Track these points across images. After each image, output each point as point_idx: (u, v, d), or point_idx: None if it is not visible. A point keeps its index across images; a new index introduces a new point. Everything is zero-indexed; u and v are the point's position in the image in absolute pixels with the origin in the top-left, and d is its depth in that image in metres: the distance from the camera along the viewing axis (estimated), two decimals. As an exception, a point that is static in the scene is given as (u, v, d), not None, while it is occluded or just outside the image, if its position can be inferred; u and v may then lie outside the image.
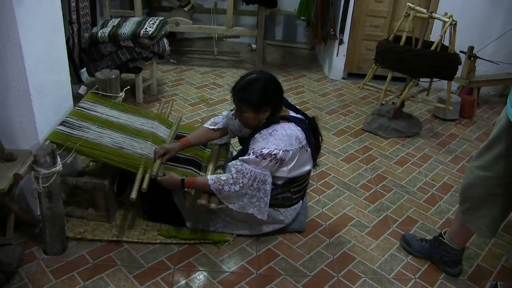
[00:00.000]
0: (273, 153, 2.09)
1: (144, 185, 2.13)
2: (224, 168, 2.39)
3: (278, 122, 2.18)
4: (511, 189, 1.92)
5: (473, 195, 2.01)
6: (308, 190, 2.82)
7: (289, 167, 2.19)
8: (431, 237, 2.36)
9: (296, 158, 2.18)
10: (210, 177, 2.18)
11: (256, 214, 2.23)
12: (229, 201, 2.21)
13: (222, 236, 2.37)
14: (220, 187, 2.15)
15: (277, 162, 2.12)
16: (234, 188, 2.13)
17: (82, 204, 2.49)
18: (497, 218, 2.00)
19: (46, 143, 2.11)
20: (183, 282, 2.12)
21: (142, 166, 2.22)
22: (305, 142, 2.20)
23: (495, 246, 2.48)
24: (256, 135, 2.18)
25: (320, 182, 2.96)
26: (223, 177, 2.16)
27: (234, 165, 2.16)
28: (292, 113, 2.30)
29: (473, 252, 2.42)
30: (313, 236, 2.47)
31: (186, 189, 2.22)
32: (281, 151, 2.10)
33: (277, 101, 2.22)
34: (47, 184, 2.03)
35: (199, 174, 2.44)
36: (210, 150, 2.63)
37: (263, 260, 2.28)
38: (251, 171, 2.12)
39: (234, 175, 2.13)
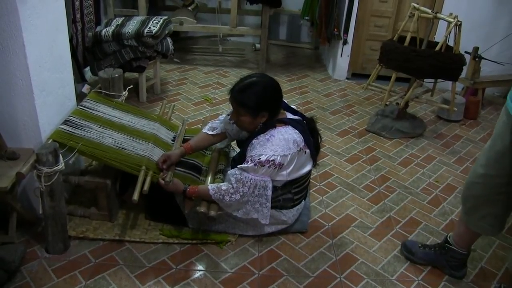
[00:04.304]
0: (271, 159, 2.08)
1: (146, 187, 2.13)
2: (224, 172, 2.39)
3: (274, 126, 2.17)
4: None
5: (474, 193, 2.00)
6: (311, 191, 2.81)
7: (288, 170, 2.17)
8: (433, 241, 2.35)
9: (294, 161, 2.17)
10: (211, 187, 2.18)
11: (260, 219, 2.23)
12: (232, 209, 2.21)
13: (224, 236, 2.37)
14: (221, 197, 2.15)
15: (275, 167, 2.11)
16: (235, 198, 2.13)
17: (84, 203, 2.49)
18: (500, 216, 1.98)
19: (49, 142, 2.11)
20: (184, 282, 2.11)
21: (143, 168, 2.22)
22: (303, 144, 2.18)
23: (499, 248, 2.47)
24: (253, 141, 2.17)
25: (323, 183, 2.95)
26: (224, 186, 2.16)
27: (233, 174, 2.15)
28: (289, 115, 2.28)
29: (477, 254, 2.40)
30: (315, 237, 2.46)
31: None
32: (279, 156, 2.09)
33: (275, 106, 2.21)
34: (49, 183, 2.03)
35: (199, 178, 2.44)
36: (210, 153, 2.62)
37: (265, 261, 2.27)
38: (251, 179, 2.11)
39: (234, 185, 2.13)
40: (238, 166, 2.15)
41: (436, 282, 2.21)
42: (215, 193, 2.16)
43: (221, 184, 2.19)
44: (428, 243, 2.43)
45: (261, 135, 2.17)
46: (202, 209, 2.17)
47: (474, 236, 2.15)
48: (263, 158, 2.08)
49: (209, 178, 2.36)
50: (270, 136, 2.14)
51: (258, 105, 2.14)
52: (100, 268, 2.15)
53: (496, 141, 1.88)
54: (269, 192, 2.17)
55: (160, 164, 2.29)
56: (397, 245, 2.42)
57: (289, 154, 2.12)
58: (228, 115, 2.43)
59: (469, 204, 2.04)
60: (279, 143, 2.11)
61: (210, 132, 2.49)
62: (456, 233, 2.21)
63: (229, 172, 2.20)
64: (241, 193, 2.13)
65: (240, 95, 2.15)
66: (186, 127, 2.89)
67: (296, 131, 2.18)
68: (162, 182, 2.20)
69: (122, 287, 2.06)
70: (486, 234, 2.09)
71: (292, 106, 2.37)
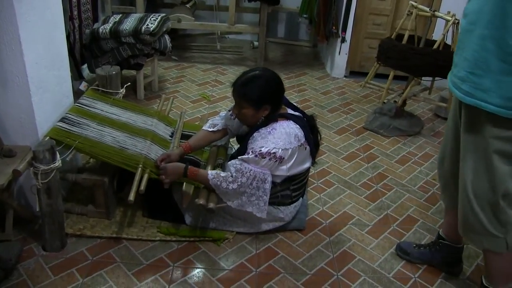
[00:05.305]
0: (272, 151, 2.08)
1: (142, 187, 2.12)
2: (223, 167, 2.39)
3: (276, 120, 2.18)
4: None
5: (444, 168, 2.03)
6: (308, 188, 2.81)
7: (288, 165, 2.18)
8: (430, 239, 2.34)
9: (295, 156, 2.17)
10: (210, 172, 2.19)
11: (255, 213, 2.22)
12: (227, 198, 2.20)
13: (221, 234, 2.37)
14: (218, 183, 2.14)
15: (276, 160, 2.11)
16: (232, 186, 2.13)
17: (81, 200, 2.49)
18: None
19: (46, 139, 2.11)
20: (182, 279, 2.12)
21: (140, 166, 2.22)
22: (304, 140, 2.19)
23: (496, 246, 2.47)
24: (255, 134, 2.18)
25: (320, 180, 2.95)
26: (223, 174, 2.16)
27: (233, 164, 2.15)
28: (290, 111, 2.29)
29: (473, 251, 2.40)
30: (313, 235, 2.46)
31: (185, 186, 2.21)
32: (280, 149, 2.09)
33: (277, 100, 2.22)
34: (46, 180, 2.02)
35: (197, 172, 2.44)
36: (209, 149, 2.62)
37: (262, 258, 2.28)
38: (251, 170, 2.11)
39: (234, 174, 2.13)
40: (239, 157, 2.15)
41: (432, 279, 2.22)
42: (213, 178, 2.16)
43: (221, 171, 2.20)
44: (425, 240, 2.44)
45: (262, 128, 2.17)
46: (201, 201, 2.16)
47: None
48: (264, 150, 2.08)
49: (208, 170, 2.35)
50: (271, 129, 2.14)
51: (260, 98, 2.15)
52: (97, 265, 2.15)
53: (449, 117, 1.95)
54: (268, 186, 2.17)
55: (159, 163, 2.29)
56: (394, 243, 2.42)
57: (290, 148, 2.12)
58: (229, 110, 2.43)
59: (443, 181, 2.08)
60: (280, 136, 2.11)
61: (211, 129, 2.49)
62: (445, 226, 2.21)
63: (229, 162, 2.21)
64: (239, 183, 2.13)
65: (243, 88, 2.16)
66: (185, 120, 2.88)
67: (298, 126, 2.18)
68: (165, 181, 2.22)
69: (119, 284, 2.06)
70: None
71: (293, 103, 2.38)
